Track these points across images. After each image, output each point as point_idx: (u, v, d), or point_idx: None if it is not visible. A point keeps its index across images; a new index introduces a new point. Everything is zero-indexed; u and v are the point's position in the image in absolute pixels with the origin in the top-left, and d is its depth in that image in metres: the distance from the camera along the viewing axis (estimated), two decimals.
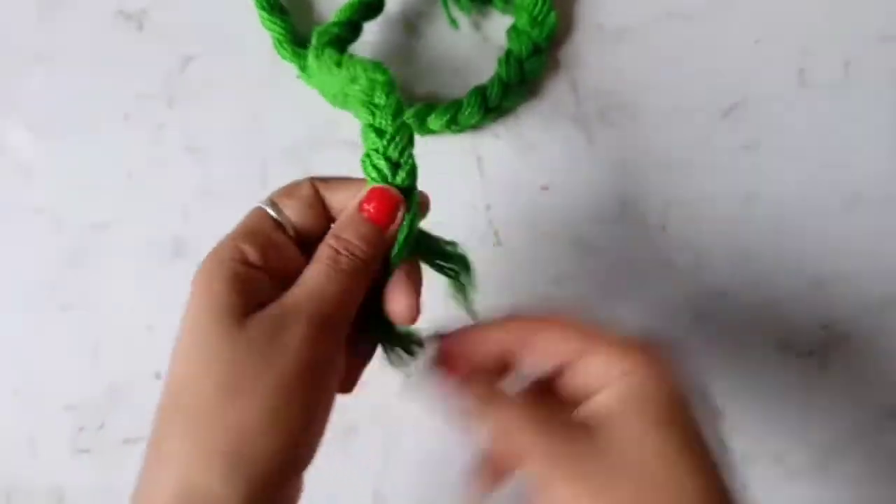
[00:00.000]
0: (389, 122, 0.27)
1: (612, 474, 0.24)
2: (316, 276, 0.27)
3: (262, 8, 0.40)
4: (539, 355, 0.28)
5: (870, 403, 0.40)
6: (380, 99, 0.27)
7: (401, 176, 0.27)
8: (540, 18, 0.39)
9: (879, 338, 0.40)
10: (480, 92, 0.39)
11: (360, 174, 0.40)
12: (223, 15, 0.42)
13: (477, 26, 0.42)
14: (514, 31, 0.40)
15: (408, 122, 0.28)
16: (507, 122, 0.41)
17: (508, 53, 0.39)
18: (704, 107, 0.41)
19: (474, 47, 0.41)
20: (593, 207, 0.41)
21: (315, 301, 0.26)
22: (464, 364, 0.28)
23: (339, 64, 0.30)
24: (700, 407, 0.26)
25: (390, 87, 0.27)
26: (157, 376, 0.41)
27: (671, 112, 0.41)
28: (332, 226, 0.28)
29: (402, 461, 0.41)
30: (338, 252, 0.27)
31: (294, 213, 0.28)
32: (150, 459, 0.25)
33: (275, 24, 0.40)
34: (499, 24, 0.41)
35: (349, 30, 0.37)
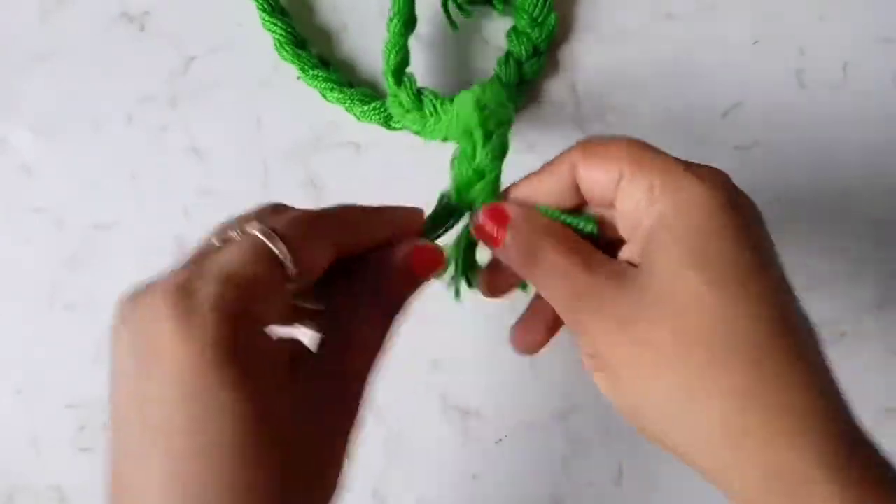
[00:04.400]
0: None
1: (647, 311, 0.22)
2: (374, 343, 0.25)
3: (263, 10, 0.40)
4: (587, 193, 0.26)
5: (868, 403, 0.40)
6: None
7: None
8: (540, 20, 0.39)
9: (877, 337, 0.41)
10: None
11: (359, 174, 0.41)
12: (225, 17, 0.42)
13: (477, 28, 0.42)
14: (513, 32, 0.40)
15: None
16: None
17: (508, 55, 0.40)
18: (703, 108, 0.41)
19: (474, 49, 0.42)
20: None
21: (373, 366, 0.25)
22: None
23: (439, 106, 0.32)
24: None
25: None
26: None
27: (670, 113, 0.41)
28: (364, 269, 0.25)
29: (403, 459, 0.41)
30: (390, 317, 0.25)
31: (303, 249, 0.22)
32: None
33: (276, 25, 0.40)
34: (499, 26, 0.41)
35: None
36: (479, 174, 0.28)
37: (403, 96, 0.36)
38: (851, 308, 0.41)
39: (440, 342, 0.40)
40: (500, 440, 0.41)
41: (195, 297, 0.20)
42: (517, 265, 0.26)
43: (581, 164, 0.26)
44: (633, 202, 0.24)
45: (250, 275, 0.21)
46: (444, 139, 0.38)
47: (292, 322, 0.26)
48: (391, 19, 0.37)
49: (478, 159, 0.28)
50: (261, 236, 0.21)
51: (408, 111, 0.37)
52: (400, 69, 0.37)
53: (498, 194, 0.28)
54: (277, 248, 0.21)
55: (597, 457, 0.41)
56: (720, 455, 0.21)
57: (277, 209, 0.25)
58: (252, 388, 0.20)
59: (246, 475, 0.19)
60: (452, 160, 0.29)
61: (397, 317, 0.26)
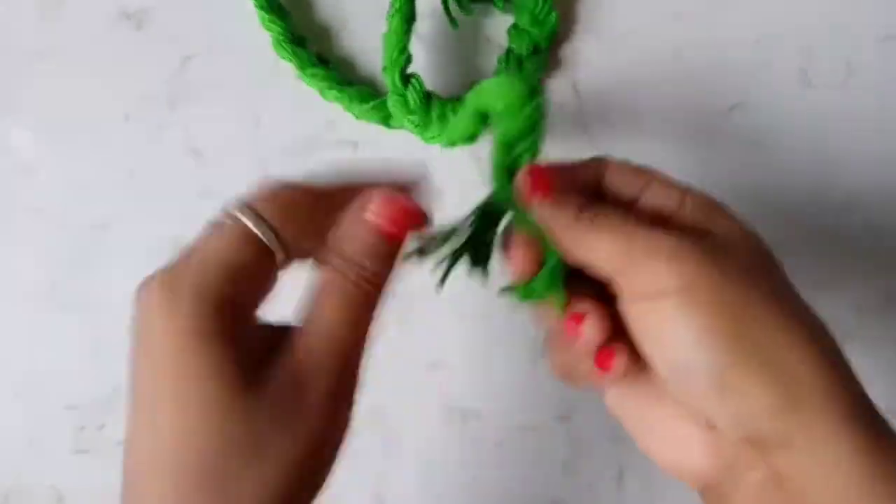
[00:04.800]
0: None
1: (722, 249, 0.23)
2: (333, 323, 0.23)
3: (262, 8, 0.40)
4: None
5: None
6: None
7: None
8: (541, 18, 0.39)
9: (880, 337, 0.40)
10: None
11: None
12: (223, 15, 0.42)
13: (477, 26, 0.42)
14: (514, 30, 0.40)
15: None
16: None
17: (508, 52, 0.39)
18: (705, 107, 0.41)
19: (475, 47, 0.41)
20: None
21: (337, 355, 0.23)
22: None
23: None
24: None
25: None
26: None
27: (672, 112, 0.41)
28: (333, 237, 0.24)
29: (402, 461, 0.41)
30: (350, 282, 0.23)
31: (291, 234, 0.24)
32: None
33: (274, 23, 0.40)
34: (500, 24, 0.41)
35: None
36: (531, 126, 0.27)
37: (411, 98, 0.36)
38: (855, 308, 0.40)
39: (440, 343, 0.40)
40: (501, 442, 0.41)
41: (179, 281, 0.22)
42: (571, 215, 0.25)
43: (613, 166, 0.27)
44: (664, 197, 0.25)
45: (235, 260, 0.23)
46: (450, 144, 0.37)
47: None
48: (391, 16, 0.37)
49: (527, 109, 0.26)
50: (248, 223, 0.23)
51: (411, 112, 0.36)
52: (405, 68, 0.37)
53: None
54: (264, 236, 0.23)
55: (598, 458, 0.40)
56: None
57: (272, 189, 0.25)
58: (230, 358, 0.22)
59: (224, 424, 0.22)
60: (493, 118, 0.28)
61: (375, 294, 0.24)
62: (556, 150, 0.41)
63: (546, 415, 0.40)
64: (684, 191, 0.25)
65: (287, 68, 0.40)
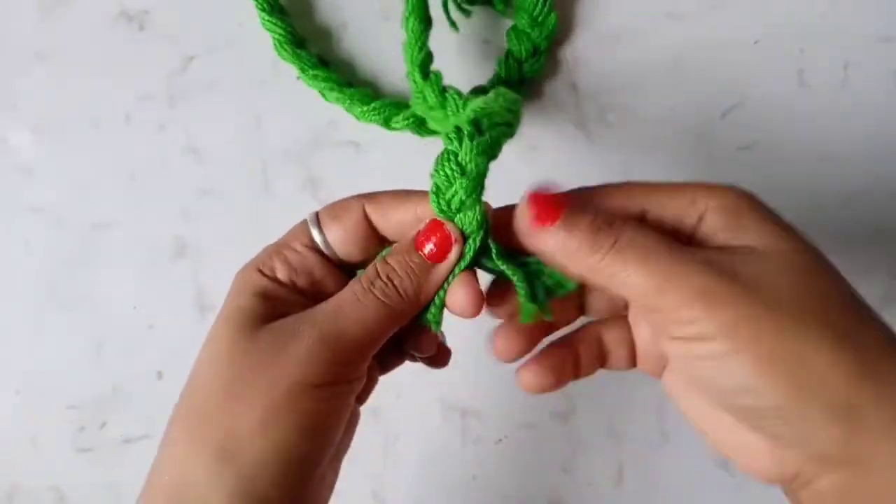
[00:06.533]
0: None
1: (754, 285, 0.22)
2: (343, 295, 0.26)
3: (263, 9, 0.40)
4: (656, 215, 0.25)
5: None
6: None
7: (462, 183, 0.27)
8: (540, 19, 0.39)
9: None
10: (479, 93, 0.39)
11: (359, 174, 0.41)
12: (224, 16, 0.42)
13: (477, 28, 0.42)
14: (513, 31, 0.40)
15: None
16: None
17: (508, 54, 0.39)
18: (703, 107, 0.41)
19: (474, 49, 0.42)
20: None
21: (332, 319, 0.25)
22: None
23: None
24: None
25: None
26: (159, 376, 0.41)
27: (670, 113, 0.41)
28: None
29: (402, 461, 0.41)
30: (377, 276, 0.26)
31: (337, 238, 0.28)
32: (158, 452, 0.26)
33: (275, 25, 0.40)
34: (499, 26, 0.41)
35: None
36: (461, 170, 0.26)
37: (428, 92, 0.35)
38: None
39: None
40: (500, 440, 0.41)
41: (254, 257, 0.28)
42: (584, 250, 0.24)
43: (600, 192, 0.25)
44: (676, 210, 0.25)
45: (286, 241, 0.28)
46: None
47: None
48: (406, 18, 0.36)
49: (462, 153, 0.26)
50: (305, 219, 0.28)
51: (431, 108, 0.36)
52: (426, 64, 0.36)
53: (480, 200, 0.27)
54: (310, 223, 0.28)
55: (597, 457, 0.40)
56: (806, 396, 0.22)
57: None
58: (252, 310, 0.26)
59: (222, 360, 0.26)
60: (436, 160, 0.27)
61: (395, 298, 0.26)
62: (556, 150, 0.41)
63: (545, 413, 0.41)
64: (695, 196, 0.24)
65: (288, 69, 0.41)
